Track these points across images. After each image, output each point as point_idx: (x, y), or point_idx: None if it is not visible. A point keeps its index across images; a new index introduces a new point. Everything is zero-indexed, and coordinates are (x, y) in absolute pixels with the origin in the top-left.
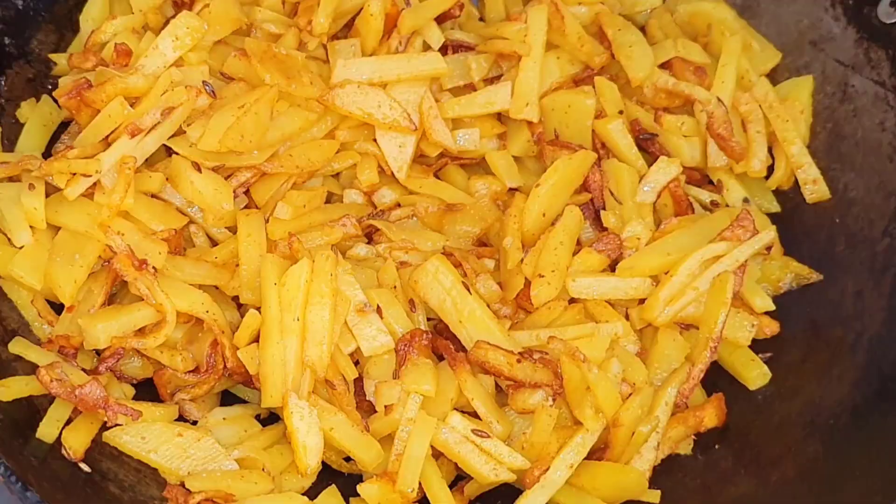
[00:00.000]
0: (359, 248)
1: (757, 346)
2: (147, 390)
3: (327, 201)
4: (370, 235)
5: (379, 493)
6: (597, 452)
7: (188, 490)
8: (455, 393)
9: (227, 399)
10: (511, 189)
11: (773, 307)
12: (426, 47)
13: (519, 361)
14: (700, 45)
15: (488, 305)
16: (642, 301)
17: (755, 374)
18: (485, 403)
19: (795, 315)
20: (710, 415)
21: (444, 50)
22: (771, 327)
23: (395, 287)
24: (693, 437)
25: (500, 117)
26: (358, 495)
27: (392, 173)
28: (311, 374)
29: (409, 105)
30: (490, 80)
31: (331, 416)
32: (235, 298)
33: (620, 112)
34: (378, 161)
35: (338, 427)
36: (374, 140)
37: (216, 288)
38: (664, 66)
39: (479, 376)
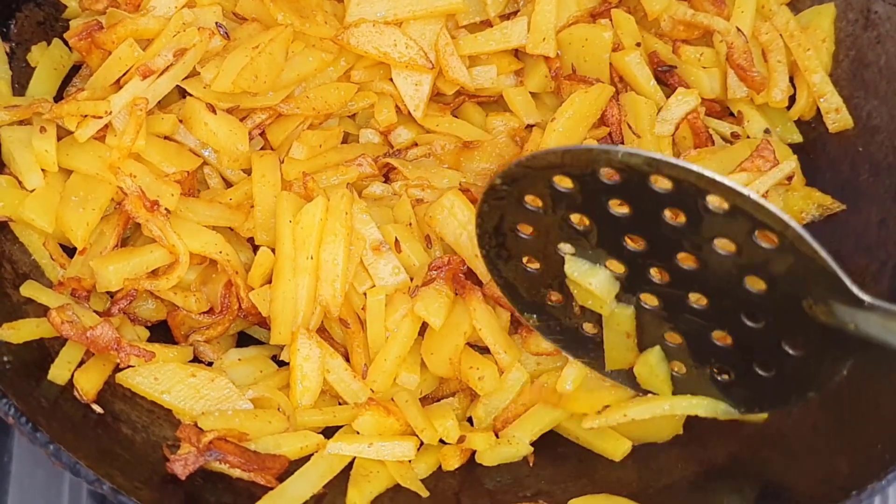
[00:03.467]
0: (375, 187)
1: None
2: (162, 333)
3: (343, 141)
4: (387, 175)
5: (374, 423)
6: None
7: (201, 429)
8: (468, 327)
9: (245, 340)
10: (529, 125)
11: None
12: None
13: None
14: None
15: None
16: None
17: None
18: (493, 333)
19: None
20: None
21: None
22: None
23: (410, 224)
24: None
25: (518, 53)
26: None
27: (409, 112)
28: (321, 312)
29: (425, 43)
30: (506, 16)
31: (330, 359)
32: (251, 240)
33: (638, 44)
34: (395, 100)
35: (333, 370)
36: (390, 79)
37: (231, 230)
38: None
39: (496, 309)
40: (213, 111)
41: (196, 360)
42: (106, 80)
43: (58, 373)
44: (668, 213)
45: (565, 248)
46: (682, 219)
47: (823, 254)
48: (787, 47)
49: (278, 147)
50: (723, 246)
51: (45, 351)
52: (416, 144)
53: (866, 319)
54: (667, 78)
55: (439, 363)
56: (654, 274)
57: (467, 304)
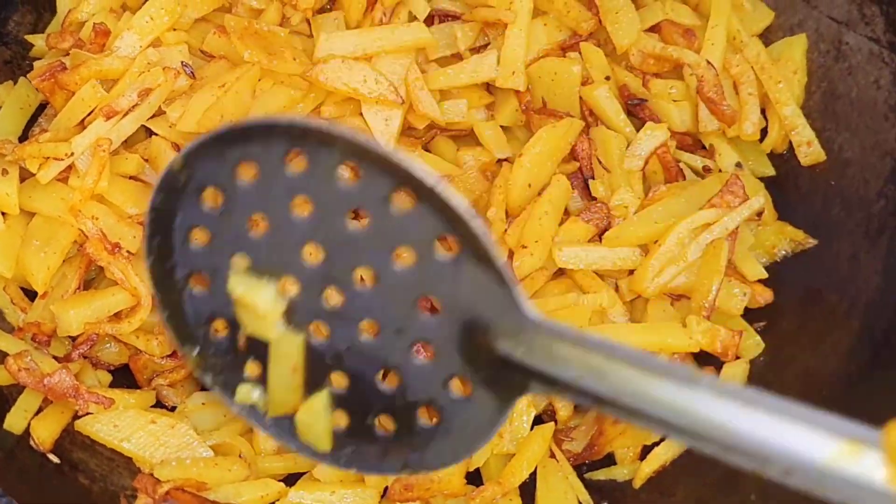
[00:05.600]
0: None
1: (750, 315)
2: (126, 376)
3: None
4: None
5: (333, 469)
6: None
7: (158, 479)
8: None
9: None
10: (500, 160)
11: (765, 275)
12: (412, 18)
13: None
14: (690, 7)
15: None
16: (632, 272)
17: (748, 344)
18: None
19: (790, 282)
20: None
21: (429, 20)
22: (764, 295)
23: None
24: None
25: (489, 87)
26: None
27: None
28: None
29: (395, 77)
30: (477, 50)
31: None
32: None
33: (607, 78)
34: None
35: None
36: (361, 114)
37: None
38: (653, 28)
39: None
40: (179, 151)
41: (159, 403)
42: (70, 120)
43: (14, 421)
44: (350, 217)
45: (239, 262)
46: (366, 221)
47: (500, 261)
48: (758, 79)
49: None
50: (403, 256)
51: (3, 398)
52: None
53: (531, 342)
54: (638, 111)
55: None
56: (328, 297)
57: None
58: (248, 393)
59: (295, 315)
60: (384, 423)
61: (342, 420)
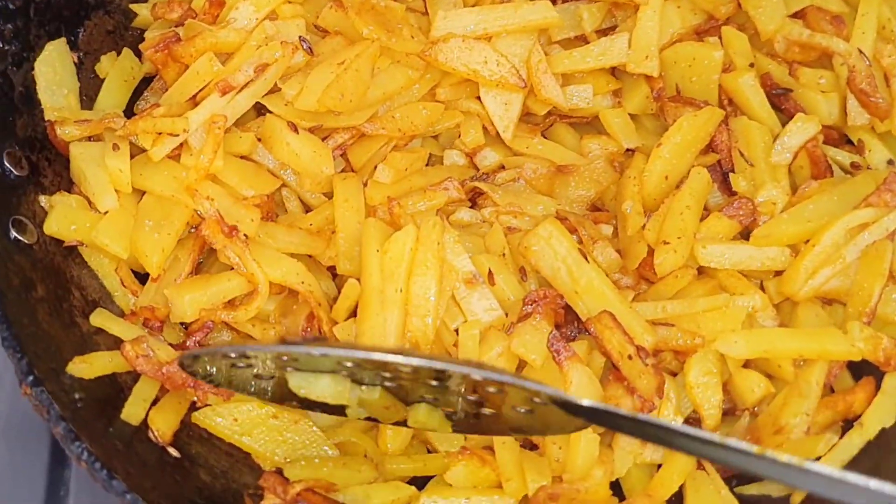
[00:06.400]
0: (462, 213)
1: None
2: None
3: (427, 163)
4: (473, 199)
5: (468, 473)
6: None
7: (286, 479)
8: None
9: None
10: (627, 150)
11: None
12: None
13: (630, 358)
14: None
15: (607, 275)
16: (778, 273)
17: None
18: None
19: None
20: (861, 400)
21: None
22: None
23: (503, 254)
24: (841, 423)
25: (615, 72)
26: None
27: (496, 133)
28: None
29: (516, 59)
30: (603, 32)
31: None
32: (331, 268)
33: (751, 65)
34: (481, 120)
35: None
36: (477, 98)
37: (310, 257)
38: (797, 15)
39: (591, 362)
40: (296, 130)
41: None
42: (182, 95)
43: (132, 411)
44: None
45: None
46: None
47: (550, 391)
48: None
49: (360, 169)
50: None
51: (116, 386)
52: (504, 167)
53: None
54: (781, 102)
55: None
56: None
57: (563, 374)
58: (355, 412)
59: (364, 379)
60: (484, 410)
61: (449, 408)
